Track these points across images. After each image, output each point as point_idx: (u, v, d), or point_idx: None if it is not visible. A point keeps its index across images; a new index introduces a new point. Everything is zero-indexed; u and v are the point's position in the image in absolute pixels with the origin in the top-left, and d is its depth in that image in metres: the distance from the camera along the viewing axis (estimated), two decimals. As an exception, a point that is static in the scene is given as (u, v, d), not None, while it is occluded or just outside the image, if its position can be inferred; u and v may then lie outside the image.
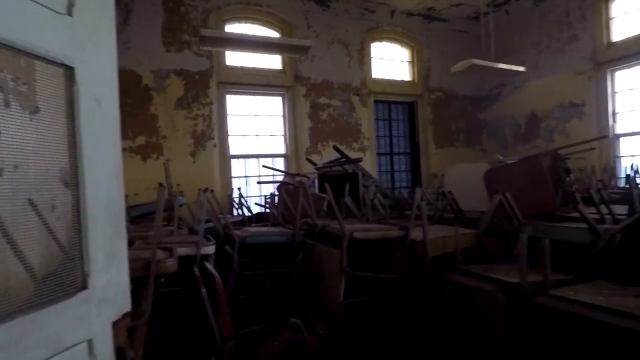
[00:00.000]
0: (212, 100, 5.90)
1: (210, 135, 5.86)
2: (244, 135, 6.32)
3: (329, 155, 6.34)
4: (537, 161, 3.14)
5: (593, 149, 4.67)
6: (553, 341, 1.81)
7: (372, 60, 7.42)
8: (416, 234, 2.69)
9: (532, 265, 2.02)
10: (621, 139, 6.11)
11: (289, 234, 2.89)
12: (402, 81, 7.73)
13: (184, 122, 5.68)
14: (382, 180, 7.56)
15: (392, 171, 7.74)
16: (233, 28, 6.27)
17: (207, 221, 3.33)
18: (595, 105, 6.25)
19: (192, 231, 2.94)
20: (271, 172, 6.14)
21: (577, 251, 2.54)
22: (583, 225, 2.49)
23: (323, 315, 2.60)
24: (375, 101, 7.44)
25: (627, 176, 2.85)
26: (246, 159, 6.36)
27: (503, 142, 7.88)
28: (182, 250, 2.31)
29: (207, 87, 5.85)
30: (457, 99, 8.07)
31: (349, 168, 4.84)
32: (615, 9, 6.10)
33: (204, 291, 1.97)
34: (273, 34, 6.58)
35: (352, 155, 6.43)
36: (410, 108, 7.88)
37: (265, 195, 3.93)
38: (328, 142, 6.79)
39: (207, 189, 2.71)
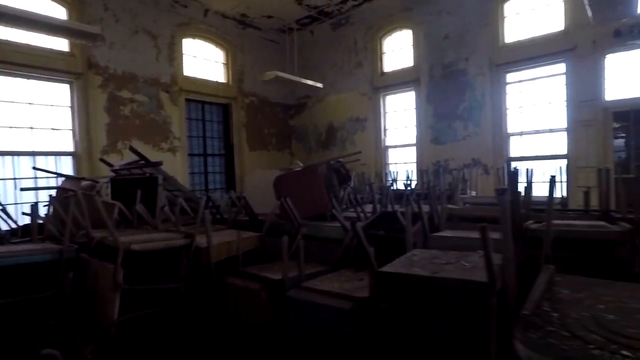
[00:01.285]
0: (-42, 79, 4.56)
1: (-45, 125, 4.52)
2: (11, 127, 5.13)
3: (132, 155, 5.80)
4: (315, 169, 3.69)
5: (358, 160, 5.76)
6: (305, 327, 2.18)
7: (185, 57, 7.15)
8: (203, 240, 2.77)
9: (309, 260, 2.38)
10: (390, 150, 7.73)
11: (56, 251, 2.53)
12: (217, 82, 7.74)
13: None
14: (195, 182, 7.41)
15: (206, 173, 7.67)
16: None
17: None
18: (373, 122, 7.72)
19: None
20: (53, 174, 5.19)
21: (337, 246, 3.12)
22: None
23: (96, 338, 2.39)
24: (188, 100, 7.22)
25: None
26: (15, 157, 5.18)
27: (308, 147, 8.85)
28: None
29: (-51, 62, 4.49)
30: (269, 105, 8.61)
31: (150, 171, 4.56)
32: (385, 46, 7.68)
33: None
34: (57, 9, 5.56)
35: (160, 157, 6.09)
36: (225, 110, 7.97)
37: (34, 204, 3.28)
38: (131, 141, 6.21)
39: None
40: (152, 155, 5.10)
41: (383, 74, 7.68)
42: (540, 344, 0.89)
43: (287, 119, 9.04)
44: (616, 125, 5.14)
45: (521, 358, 0.89)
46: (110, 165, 5.12)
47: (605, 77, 5.15)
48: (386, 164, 7.66)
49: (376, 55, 7.70)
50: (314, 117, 8.74)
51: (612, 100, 5.15)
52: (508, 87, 6.18)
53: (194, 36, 7.37)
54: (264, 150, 8.46)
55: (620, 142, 5.20)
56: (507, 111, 6.19)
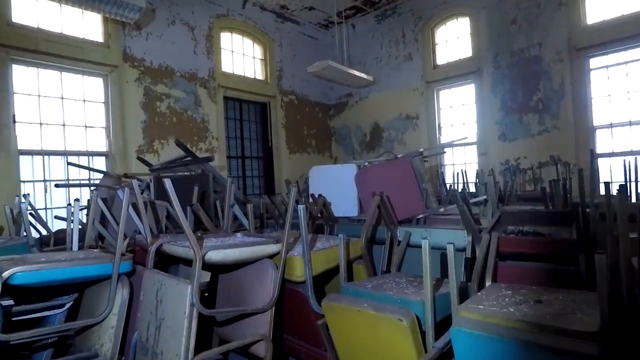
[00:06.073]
0: (-15, 68, 4.08)
1: (-19, 119, 4.02)
2: (41, 124, 4.61)
3: (169, 155, 5.25)
4: (407, 162, 3.00)
5: (444, 152, 5.06)
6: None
7: (222, 52, 6.63)
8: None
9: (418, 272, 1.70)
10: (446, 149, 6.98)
11: (105, 261, 1.89)
12: (255, 79, 7.18)
13: None
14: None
15: (245, 176, 7.06)
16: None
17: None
18: (426, 119, 7.01)
19: None
20: (88, 173, 4.66)
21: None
22: (455, 226, 2.40)
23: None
24: (225, 98, 6.67)
25: (493, 177, 2.96)
26: (45, 157, 4.65)
27: (351, 149, 8.17)
28: None
29: (-24, 49, 4.02)
30: (309, 104, 8.01)
31: (196, 169, 3.96)
32: (439, 36, 7.01)
33: None
34: (92, -4, 5.09)
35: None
36: (263, 109, 7.39)
37: (70, 205, 2.70)
38: (167, 140, 5.66)
39: None
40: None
41: (436, 66, 6.99)
42: None
43: (327, 119, 8.41)
44: None
45: None
46: (149, 164, 4.55)
47: None
48: (442, 165, 6.91)
49: (428, 47, 7.02)
50: (356, 116, 8.08)
51: None
52: (592, 74, 5.41)
53: (231, 30, 6.85)
54: (303, 152, 7.82)
55: None
56: (592, 101, 5.41)
